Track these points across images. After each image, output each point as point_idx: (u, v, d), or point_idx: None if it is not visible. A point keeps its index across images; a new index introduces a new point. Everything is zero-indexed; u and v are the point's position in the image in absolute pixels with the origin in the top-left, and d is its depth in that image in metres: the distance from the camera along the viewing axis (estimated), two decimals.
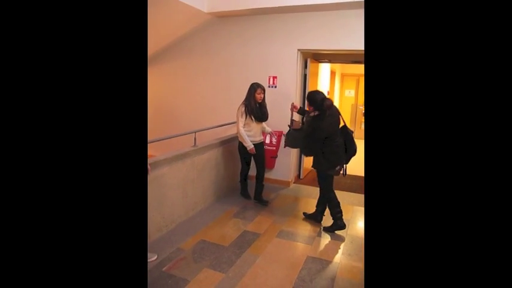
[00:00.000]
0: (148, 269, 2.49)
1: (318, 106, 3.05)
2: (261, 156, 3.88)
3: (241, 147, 3.81)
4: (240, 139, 3.77)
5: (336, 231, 3.25)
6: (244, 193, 4.11)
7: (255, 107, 3.67)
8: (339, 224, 3.25)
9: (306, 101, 3.19)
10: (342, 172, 3.23)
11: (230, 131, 4.70)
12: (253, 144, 3.71)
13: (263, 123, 3.86)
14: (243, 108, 3.66)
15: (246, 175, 4.04)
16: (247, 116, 3.66)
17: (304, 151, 3.41)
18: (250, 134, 3.72)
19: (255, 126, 3.75)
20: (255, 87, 3.68)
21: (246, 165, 3.96)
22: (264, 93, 3.72)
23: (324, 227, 3.32)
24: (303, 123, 3.46)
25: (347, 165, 3.24)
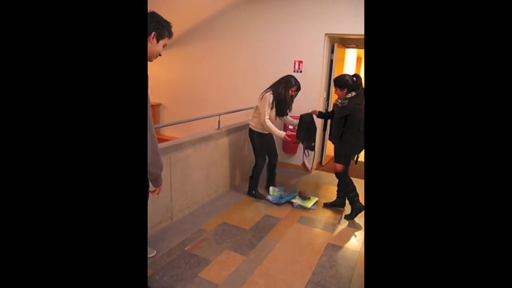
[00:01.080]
0: (170, 248, 2.56)
1: (352, 86, 2.96)
2: (274, 144, 3.71)
3: (257, 137, 3.49)
4: (266, 130, 3.42)
5: (356, 220, 3.24)
6: (256, 192, 3.66)
7: (284, 100, 3.35)
8: (357, 206, 3.23)
9: (334, 88, 3.07)
10: (354, 160, 3.19)
11: None
12: (266, 132, 3.46)
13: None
14: (271, 99, 3.30)
15: (261, 171, 3.63)
16: (273, 107, 3.35)
17: (338, 134, 3.13)
18: (258, 123, 3.44)
19: (274, 117, 3.45)
20: (292, 83, 3.32)
21: (262, 159, 3.60)
22: (297, 92, 3.42)
23: (345, 215, 3.31)
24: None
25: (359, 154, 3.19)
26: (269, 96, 3.30)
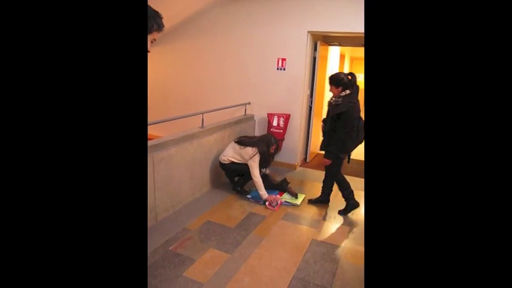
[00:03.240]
0: (154, 248, 2.54)
1: (347, 84, 2.97)
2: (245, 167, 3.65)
3: (231, 164, 3.60)
4: (255, 185, 3.53)
5: (340, 215, 3.28)
6: (241, 189, 3.74)
7: (266, 158, 3.59)
8: (352, 203, 3.28)
9: (330, 85, 3.07)
10: (346, 158, 3.23)
11: (238, 113, 4.69)
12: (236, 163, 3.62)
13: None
14: (258, 158, 3.51)
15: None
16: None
17: (330, 136, 3.10)
18: (240, 159, 3.59)
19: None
20: (272, 142, 3.64)
21: (241, 176, 3.72)
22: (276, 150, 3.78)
23: (339, 211, 3.33)
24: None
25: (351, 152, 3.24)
26: (256, 156, 3.50)
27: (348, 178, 3.36)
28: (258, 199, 3.51)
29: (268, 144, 3.62)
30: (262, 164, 3.64)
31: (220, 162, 3.67)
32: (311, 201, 3.54)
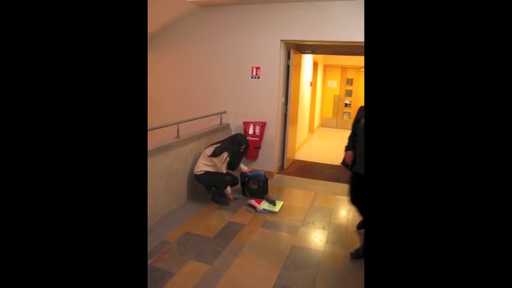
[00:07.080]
0: None
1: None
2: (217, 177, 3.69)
3: (205, 175, 3.58)
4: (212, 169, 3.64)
5: (316, 222, 3.31)
6: (219, 199, 3.70)
7: (237, 156, 3.75)
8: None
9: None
10: None
11: (214, 122, 4.67)
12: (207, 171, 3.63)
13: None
14: (229, 159, 3.63)
15: (228, 184, 3.70)
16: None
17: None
18: (214, 169, 3.63)
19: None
20: (242, 142, 3.76)
21: (227, 175, 3.70)
22: (245, 149, 3.87)
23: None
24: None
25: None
26: (227, 157, 3.61)
27: (326, 184, 3.38)
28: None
29: (238, 145, 3.75)
30: (232, 164, 3.76)
31: (195, 175, 3.64)
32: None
